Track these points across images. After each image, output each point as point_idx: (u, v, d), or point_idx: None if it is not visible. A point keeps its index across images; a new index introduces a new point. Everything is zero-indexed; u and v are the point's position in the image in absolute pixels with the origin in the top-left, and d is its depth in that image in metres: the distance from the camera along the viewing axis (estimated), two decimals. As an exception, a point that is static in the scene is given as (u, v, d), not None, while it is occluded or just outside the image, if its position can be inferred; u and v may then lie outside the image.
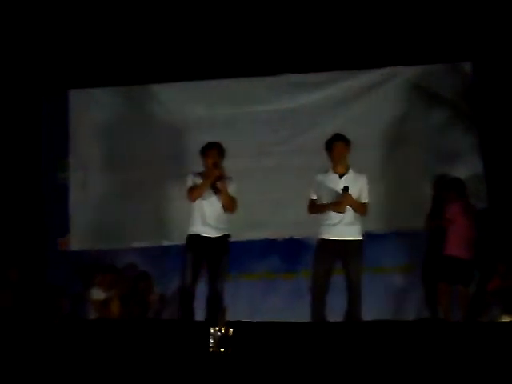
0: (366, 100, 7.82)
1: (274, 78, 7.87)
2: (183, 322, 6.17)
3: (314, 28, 7.57)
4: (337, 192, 6.16)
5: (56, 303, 7.21)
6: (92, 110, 8.09)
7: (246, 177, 7.22)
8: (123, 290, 7.36)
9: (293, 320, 5.56)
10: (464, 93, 7.63)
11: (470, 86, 7.63)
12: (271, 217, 7.58)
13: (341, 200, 6.10)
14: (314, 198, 6.35)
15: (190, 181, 6.36)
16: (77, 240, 7.88)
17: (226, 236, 6.40)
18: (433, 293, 7.16)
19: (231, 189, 6.32)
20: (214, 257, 6.31)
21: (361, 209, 6.22)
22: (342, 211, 6.12)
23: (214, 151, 6.37)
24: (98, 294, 7.24)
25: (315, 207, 6.33)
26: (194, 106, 7.98)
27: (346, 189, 6.06)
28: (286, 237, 7.60)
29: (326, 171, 6.34)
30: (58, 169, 8.05)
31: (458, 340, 4.42)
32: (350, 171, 6.28)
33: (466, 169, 7.50)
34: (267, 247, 7.67)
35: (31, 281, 7.34)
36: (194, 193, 6.31)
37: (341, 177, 6.24)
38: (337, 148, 6.27)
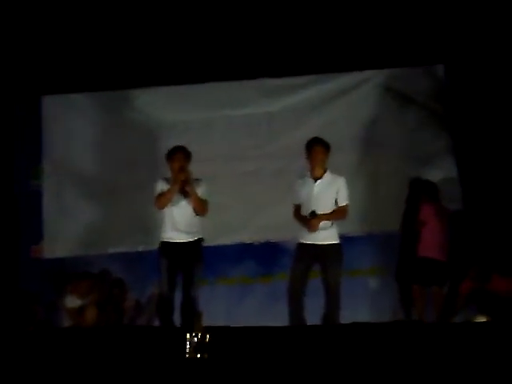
0: (340, 103, 7.85)
1: (250, 82, 7.89)
2: (159, 328, 6.14)
3: (288, 32, 7.59)
4: (312, 197, 6.19)
5: (30, 310, 7.15)
6: (65, 116, 8.04)
7: (222, 181, 7.24)
8: (99, 297, 7.30)
9: (270, 324, 5.55)
10: (437, 95, 7.68)
11: (442, 89, 7.69)
12: (247, 221, 7.57)
13: (310, 224, 6.13)
14: (297, 203, 6.36)
15: (159, 187, 6.26)
16: (51, 247, 7.80)
17: (199, 240, 6.32)
18: (407, 294, 7.19)
19: (201, 191, 6.24)
20: (186, 262, 6.23)
21: (339, 215, 6.25)
22: (313, 231, 6.14)
23: (179, 155, 6.28)
24: (72, 301, 7.18)
25: (296, 216, 6.35)
26: (169, 111, 7.96)
27: (313, 214, 6.11)
28: (262, 241, 7.60)
29: (304, 175, 6.35)
30: (31, 175, 7.98)
31: (432, 341, 4.44)
32: (327, 175, 6.27)
33: (440, 171, 7.54)
34: (243, 251, 7.66)
35: (4, 288, 7.26)
36: (161, 200, 6.23)
37: (316, 181, 6.25)
38: (315, 152, 6.27)
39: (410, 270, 7.15)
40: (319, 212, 6.13)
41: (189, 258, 6.23)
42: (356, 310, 7.08)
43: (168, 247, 6.26)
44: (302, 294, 6.19)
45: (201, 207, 6.22)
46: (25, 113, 8.04)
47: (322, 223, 6.15)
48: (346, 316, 6.22)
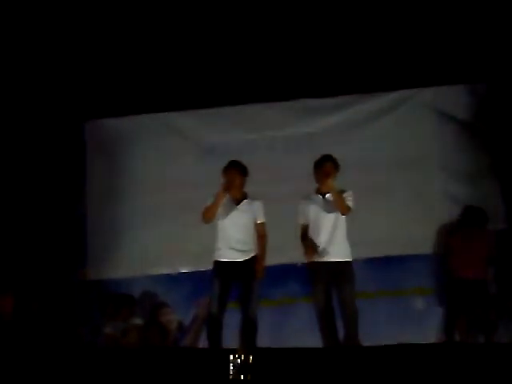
0: (381, 123, 7.82)
1: (290, 103, 7.91)
2: (203, 349, 6.14)
3: (328, 52, 7.60)
4: (321, 213, 6.19)
5: (75, 333, 7.21)
6: (108, 141, 8.15)
7: (263, 202, 7.24)
8: (140, 321, 7.32)
9: (314, 345, 5.53)
10: (479, 114, 7.62)
11: (485, 108, 7.62)
12: (288, 242, 7.53)
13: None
14: (302, 222, 6.37)
15: (209, 201, 6.27)
16: (95, 269, 7.88)
17: (254, 258, 6.29)
18: (452, 315, 7.12)
19: (259, 210, 6.37)
20: (243, 282, 6.19)
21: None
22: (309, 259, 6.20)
23: (233, 170, 6.34)
24: (114, 326, 7.21)
25: (303, 238, 6.34)
26: (208, 133, 8.03)
27: None
28: (304, 261, 7.56)
29: (309, 194, 6.38)
30: (76, 200, 8.08)
31: (477, 363, 4.37)
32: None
33: (483, 190, 7.48)
34: (285, 272, 7.64)
35: (50, 311, 7.33)
36: (208, 210, 6.22)
37: (324, 196, 6.25)
38: (324, 168, 6.28)
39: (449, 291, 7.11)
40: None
41: (246, 277, 6.18)
42: (399, 331, 7.02)
43: (222, 266, 6.24)
44: (329, 313, 6.15)
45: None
46: (69, 138, 8.13)
47: (338, 238, 6.14)
48: (389, 337, 6.17)
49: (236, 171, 6.36)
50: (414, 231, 7.44)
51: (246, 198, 6.40)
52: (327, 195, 6.22)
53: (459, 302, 6.99)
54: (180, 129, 8.08)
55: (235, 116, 7.99)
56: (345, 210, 6.15)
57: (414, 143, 7.71)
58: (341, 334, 6.18)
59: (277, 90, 7.78)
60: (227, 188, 6.20)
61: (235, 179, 6.30)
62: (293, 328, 7.44)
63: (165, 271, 7.84)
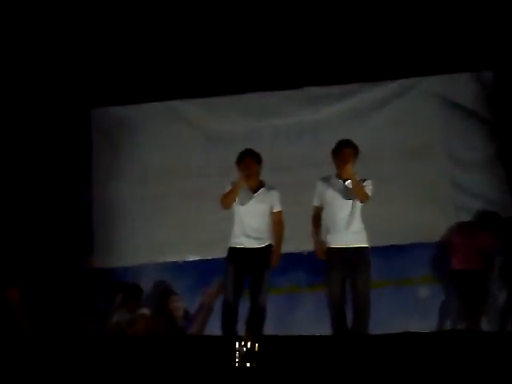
0: (385, 111, 7.82)
1: (294, 91, 7.90)
2: (209, 337, 6.15)
3: (333, 40, 7.58)
4: (340, 197, 6.10)
5: (81, 321, 7.23)
6: (114, 128, 8.16)
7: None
8: (148, 311, 7.33)
9: (320, 333, 5.53)
10: (485, 102, 7.60)
11: (491, 95, 7.60)
12: (294, 231, 7.53)
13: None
14: (317, 204, 6.28)
15: (228, 189, 6.24)
16: (101, 258, 7.91)
17: (269, 246, 6.26)
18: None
19: (276, 198, 6.33)
20: (256, 269, 6.15)
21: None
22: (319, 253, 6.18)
23: (248, 159, 6.29)
24: (121, 316, 7.22)
25: (313, 225, 6.30)
26: (215, 121, 8.03)
27: None
28: (311, 250, 7.55)
29: (329, 177, 6.26)
30: (82, 187, 8.09)
31: (487, 350, 4.37)
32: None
33: (489, 178, 7.47)
34: (291, 261, 7.63)
35: (56, 299, 7.36)
36: (226, 197, 6.19)
37: (345, 181, 6.15)
38: (343, 153, 6.16)
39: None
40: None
41: (258, 265, 6.15)
42: (404, 320, 7.04)
43: (237, 253, 6.20)
44: (342, 302, 6.06)
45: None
46: (75, 125, 8.14)
47: (355, 226, 6.06)
48: (394, 325, 6.17)
49: (252, 159, 6.31)
50: (419, 220, 7.43)
51: (262, 187, 6.35)
52: (347, 181, 6.11)
53: (460, 291, 6.98)
54: (185, 117, 8.09)
55: (239, 104, 7.99)
56: (364, 198, 6.05)
57: (419, 131, 7.70)
58: (349, 321, 6.09)
59: (281, 78, 7.78)
60: (247, 176, 6.19)
61: (253, 167, 6.27)
62: (298, 316, 7.46)
63: (171, 259, 7.86)
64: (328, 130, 7.74)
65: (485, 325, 6.94)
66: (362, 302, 6.00)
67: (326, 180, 6.27)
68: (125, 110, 8.17)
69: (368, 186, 6.11)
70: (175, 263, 7.84)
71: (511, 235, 7.29)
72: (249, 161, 6.29)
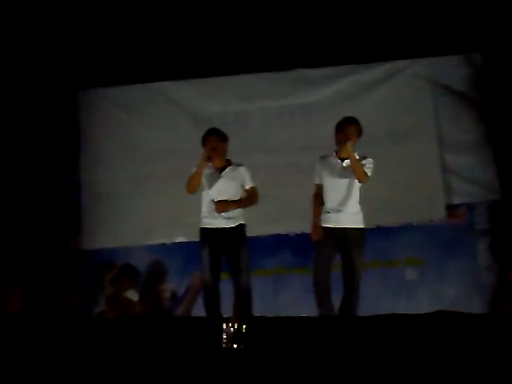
0: (376, 93, 7.81)
1: (284, 73, 7.87)
2: (195, 318, 6.16)
3: (323, 22, 7.55)
4: (337, 177, 6.01)
5: (69, 302, 7.23)
6: (102, 109, 8.11)
7: (257, 172, 7.22)
8: (136, 295, 7.32)
9: (307, 314, 5.54)
10: (474, 84, 7.61)
11: (480, 78, 7.60)
12: (283, 212, 7.54)
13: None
14: (317, 182, 6.18)
15: (193, 171, 6.16)
16: (89, 239, 7.90)
17: (242, 226, 6.16)
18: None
19: (245, 175, 6.20)
20: (231, 249, 6.05)
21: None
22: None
23: (211, 137, 6.18)
24: (110, 298, 7.20)
25: (314, 203, 6.18)
26: (204, 103, 7.99)
27: None
28: (298, 232, 7.57)
29: (328, 156, 6.18)
30: (69, 169, 8.06)
31: (475, 333, 4.38)
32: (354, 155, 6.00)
33: (478, 160, 7.50)
34: (279, 242, 7.66)
35: (43, 281, 7.34)
36: (190, 181, 6.12)
37: (343, 161, 6.04)
38: (345, 131, 6.04)
39: None
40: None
41: (232, 245, 6.04)
42: (392, 301, 7.08)
43: (208, 234, 6.09)
44: (328, 282, 5.97)
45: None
46: (62, 107, 8.09)
47: (351, 207, 5.98)
48: (382, 307, 6.20)
49: (216, 138, 6.20)
50: (407, 202, 7.46)
51: (229, 165, 6.24)
52: (346, 161, 6.01)
53: None
54: (173, 98, 8.04)
55: (228, 86, 7.94)
56: (363, 178, 5.93)
57: (409, 114, 7.70)
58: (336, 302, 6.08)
59: (271, 59, 7.74)
60: (209, 157, 6.08)
61: (217, 147, 6.14)
62: (286, 297, 7.49)
63: (159, 241, 7.85)
64: (318, 112, 7.76)
65: (474, 306, 6.97)
66: (353, 284, 5.94)
67: (324, 158, 6.18)
68: (113, 91, 8.11)
69: (368, 165, 6.00)
70: (163, 245, 7.84)
71: (500, 217, 7.32)
72: (213, 139, 6.18)
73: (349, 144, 5.93)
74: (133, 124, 8.06)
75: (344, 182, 6.01)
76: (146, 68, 7.92)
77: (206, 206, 6.17)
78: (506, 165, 7.38)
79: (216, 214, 6.08)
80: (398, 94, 7.74)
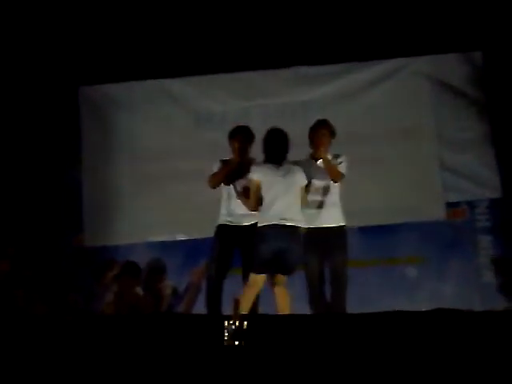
0: (376, 91, 7.82)
1: (285, 71, 7.88)
2: (197, 315, 6.14)
3: (323, 20, 7.57)
4: (311, 178, 5.97)
5: (69, 299, 7.22)
6: (102, 106, 8.11)
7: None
8: (141, 291, 7.32)
9: (306, 312, 5.54)
10: (475, 82, 7.62)
11: (480, 76, 7.61)
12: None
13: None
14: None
15: (215, 167, 6.15)
16: (91, 236, 7.91)
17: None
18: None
19: (342, 164, 6.09)
20: (245, 247, 5.97)
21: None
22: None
23: (240, 136, 6.18)
24: (114, 295, 7.19)
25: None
26: (205, 100, 7.99)
27: None
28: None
29: (300, 160, 6.13)
30: (71, 166, 8.06)
31: (474, 330, 4.39)
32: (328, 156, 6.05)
33: (479, 158, 7.51)
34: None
35: (44, 277, 7.34)
36: (213, 178, 6.11)
37: (316, 160, 6.08)
38: (318, 134, 6.11)
39: None
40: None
41: (248, 242, 5.94)
42: (391, 299, 7.08)
43: (224, 230, 6.09)
44: (321, 283, 6.04)
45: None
46: (63, 104, 8.09)
47: (329, 202, 5.99)
48: (381, 305, 6.20)
49: (244, 137, 6.21)
50: (407, 200, 7.47)
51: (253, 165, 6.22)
52: (319, 161, 6.06)
53: None
54: (174, 95, 8.06)
55: (229, 83, 7.96)
56: (336, 177, 5.98)
57: (409, 112, 7.72)
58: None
59: (271, 57, 7.75)
60: (240, 155, 6.11)
61: (246, 145, 6.17)
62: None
63: (160, 238, 7.86)
64: (318, 110, 7.71)
65: (475, 304, 6.97)
66: (340, 282, 5.97)
67: (297, 162, 6.10)
68: (114, 88, 8.12)
69: (342, 164, 6.05)
70: (164, 243, 7.84)
71: (500, 215, 7.33)
72: (242, 139, 6.19)
73: (322, 149, 6.01)
74: (133, 121, 8.08)
75: (319, 182, 6.04)
76: (147, 65, 7.94)
77: (224, 204, 6.15)
78: (507, 163, 7.39)
79: (234, 212, 6.08)
80: (397, 91, 7.76)
